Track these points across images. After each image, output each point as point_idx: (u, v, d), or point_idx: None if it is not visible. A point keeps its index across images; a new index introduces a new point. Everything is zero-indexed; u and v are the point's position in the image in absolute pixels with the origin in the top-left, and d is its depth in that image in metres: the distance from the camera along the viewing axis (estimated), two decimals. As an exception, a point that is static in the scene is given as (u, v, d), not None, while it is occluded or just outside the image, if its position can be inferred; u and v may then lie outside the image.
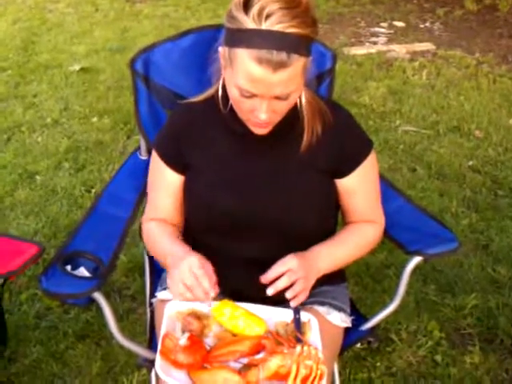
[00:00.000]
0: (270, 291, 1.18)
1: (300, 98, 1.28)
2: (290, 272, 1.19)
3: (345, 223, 1.43)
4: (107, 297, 1.32)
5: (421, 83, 4.34)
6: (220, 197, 1.31)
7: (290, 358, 1.14)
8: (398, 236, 1.48)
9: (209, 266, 1.20)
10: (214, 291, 1.16)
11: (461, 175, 3.12)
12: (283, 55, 1.08)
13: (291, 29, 1.07)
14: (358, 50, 5.06)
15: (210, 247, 1.36)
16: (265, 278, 1.20)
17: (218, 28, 1.57)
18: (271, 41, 1.07)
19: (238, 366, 1.17)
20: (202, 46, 1.59)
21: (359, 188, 1.36)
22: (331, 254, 1.32)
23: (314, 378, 1.13)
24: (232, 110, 1.26)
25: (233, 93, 1.18)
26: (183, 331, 1.24)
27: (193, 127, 1.34)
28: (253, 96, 1.15)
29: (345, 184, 1.35)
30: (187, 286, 1.15)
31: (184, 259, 1.19)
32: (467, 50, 5.08)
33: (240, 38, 1.10)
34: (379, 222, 1.42)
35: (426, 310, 2.21)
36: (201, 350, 1.18)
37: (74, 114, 3.91)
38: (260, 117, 1.17)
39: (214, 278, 1.19)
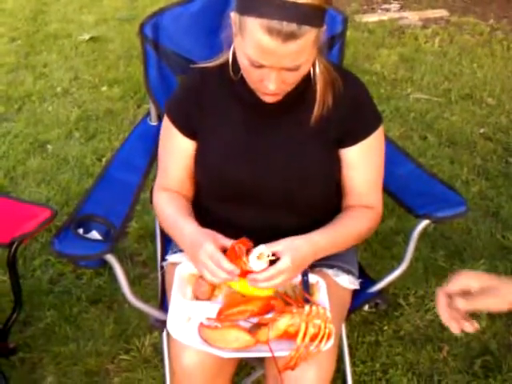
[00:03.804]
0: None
1: (314, 67, 1.26)
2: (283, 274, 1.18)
3: (343, 207, 1.38)
4: (119, 262, 1.34)
5: (433, 50, 4.28)
6: (229, 165, 1.31)
7: (299, 317, 1.15)
8: (406, 200, 1.49)
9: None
10: (237, 268, 1.17)
11: (472, 143, 3.09)
12: (294, 26, 1.06)
13: None
14: (370, 18, 4.98)
15: (219, 215, 1.37)
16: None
17: (229, -9, 1.54)
18: (282, 11, 1.05)
19: (247, 325, 1.20)
20: (213, 9, 1.58)
21: (360, 163, 1.33)
22: (331, 239, 1.29)
23: (323, 336, 1.15)
24: (243, 77, 1.24)
25: (242, 61, 1.17)
26: (194, 294, 1.28)
27: (205, 93, 1.33)
28: (262, 66, 1.13)
29: (347, 155, 1.33)
30: (210, 271, 1.18)
31: (200, 247, 1.19)
32: (481, 16, 4.98)
33: (251, 6, 1.08)
34: (377, 209, 1.38)
35: (435, 276, 2.22)
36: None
37: (83, 84, 3.90)
38: (269, 87, 1.16)
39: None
